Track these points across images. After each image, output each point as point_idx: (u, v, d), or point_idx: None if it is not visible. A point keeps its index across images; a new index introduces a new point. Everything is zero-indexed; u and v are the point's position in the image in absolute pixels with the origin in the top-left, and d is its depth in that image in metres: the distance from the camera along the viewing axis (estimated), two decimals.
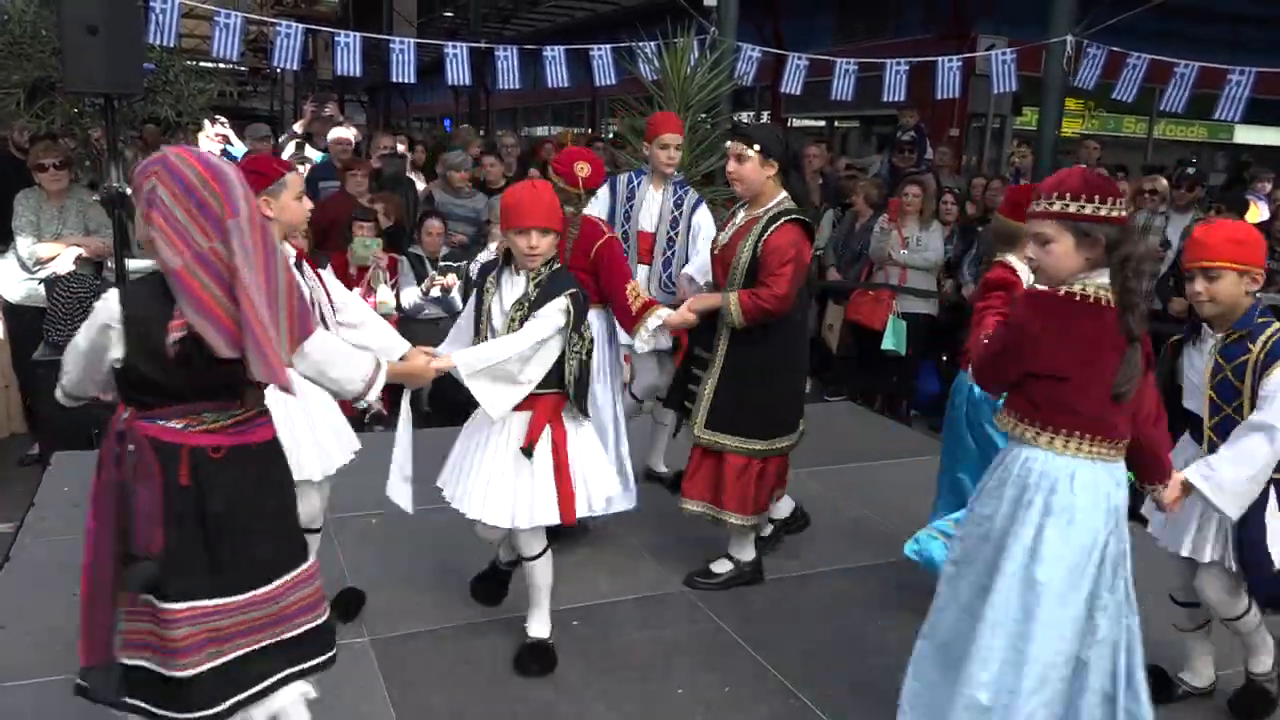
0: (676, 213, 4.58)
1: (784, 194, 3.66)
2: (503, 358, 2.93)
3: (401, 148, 9.07)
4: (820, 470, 5.02)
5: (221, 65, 13.35)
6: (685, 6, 8.67)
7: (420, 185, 8.24)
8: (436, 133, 19.22)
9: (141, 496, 2.03)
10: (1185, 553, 2.99)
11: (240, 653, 2.15)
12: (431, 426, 4.96)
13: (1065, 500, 2.33)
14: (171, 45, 7.93)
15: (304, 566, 2.28)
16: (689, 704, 3.13)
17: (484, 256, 6.38)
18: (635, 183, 4.67)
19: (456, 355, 2.95)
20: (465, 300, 6.21)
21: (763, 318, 3.57)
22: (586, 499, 3.16)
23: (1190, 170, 6.95)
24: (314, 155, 8.30)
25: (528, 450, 3.03)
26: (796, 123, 16.34)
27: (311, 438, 3.05)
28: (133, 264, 5.34)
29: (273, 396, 2.26)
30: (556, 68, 9.43)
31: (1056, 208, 2.30)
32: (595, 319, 3.69)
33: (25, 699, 2.93)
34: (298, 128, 9.46)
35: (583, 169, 3.85)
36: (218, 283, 2.00)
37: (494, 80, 11.27)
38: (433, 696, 3.08)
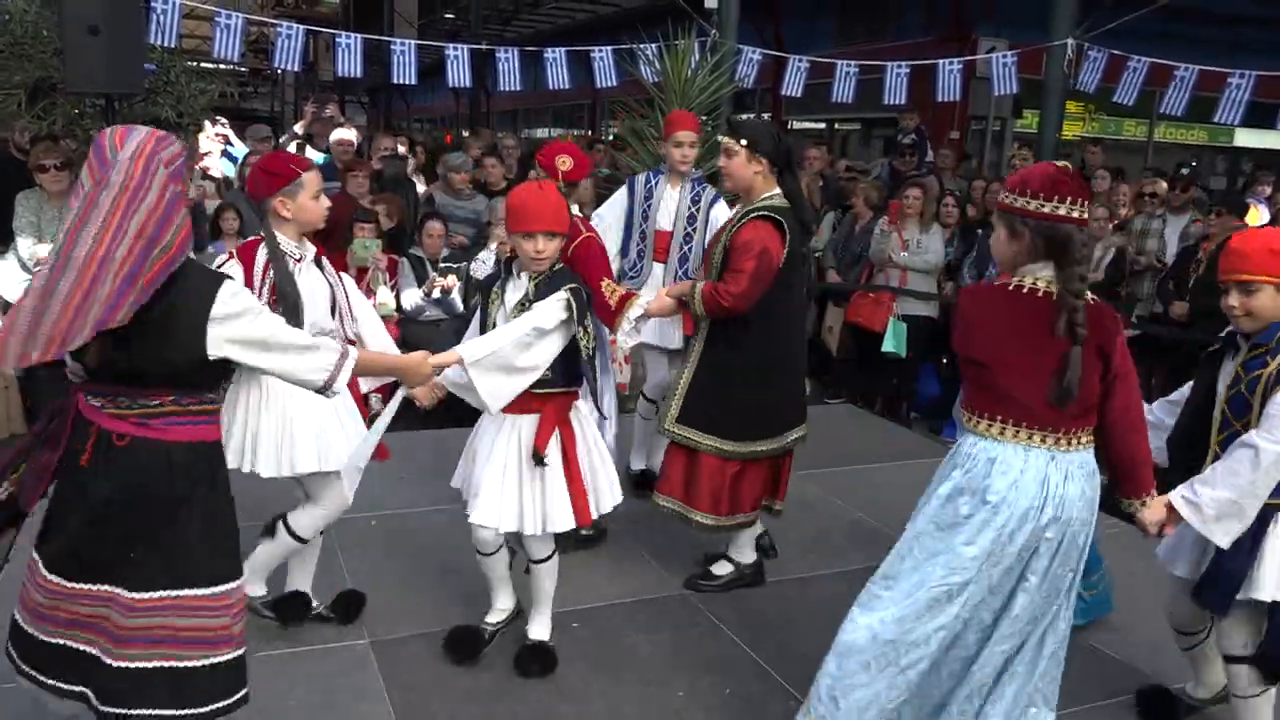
0: (694, 209, 4.58)
1: (775, 191, 3.61)
2: (501, 344, 2.87)
3: (402, 149, 9.07)
4: (820, 472, 5.02)
5: (222, 66, 13.39)
6: (686, 8, 8.68)
7: (421, 187, 8.25)
8: (436, 134, 19.25)
9: (43, 457, 2.12)
10: (1179, 574, 2.91)
11: (50, 640, 2.16)
12: (431, 428, 4.80)
13: (984, 482, 2.41)
14: (172, 46, 7.94)
15: (199, 592, 2.13)
16: (689, 706, 3.13)
17: (484, 256, 6.40)
18: (653, 182, 4.67)
19: (460, 347, 2.92)
20: (466, 302, 6.24)
21: (723, 314, 3.51)
22: (595, 500, 3.13)
23: (1185, 171, 6.96)
24: (315, 156, 8.29)
25: (539, 457, 2.99)
26: (797, 125, 16.36)
27: (341, 432, 3.06)
28: None
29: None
30: (557, 69, 9.43)
31: (1001, 199, 2.50)
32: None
33: (25, 699, 2.92)
34: (298, 129, 9.44)
35: (564, 162, 3.80)
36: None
37: (495, 82, 11.27)
38: (433, 698, 3.08)
